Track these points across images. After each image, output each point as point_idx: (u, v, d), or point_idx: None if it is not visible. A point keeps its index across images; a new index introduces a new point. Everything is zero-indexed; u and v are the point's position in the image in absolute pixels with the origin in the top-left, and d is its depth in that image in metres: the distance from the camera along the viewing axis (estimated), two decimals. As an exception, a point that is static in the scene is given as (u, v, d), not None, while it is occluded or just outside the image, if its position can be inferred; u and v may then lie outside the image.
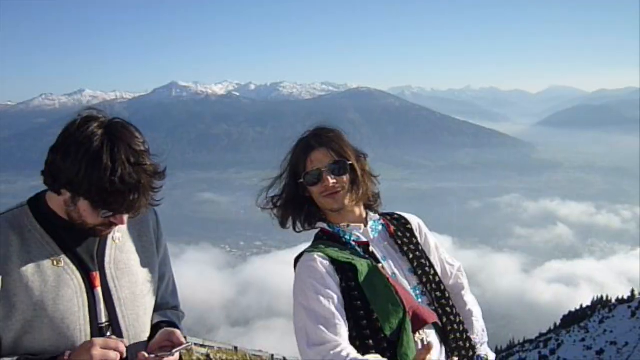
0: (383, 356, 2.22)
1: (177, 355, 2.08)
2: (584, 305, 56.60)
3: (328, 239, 2.54)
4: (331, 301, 2.29)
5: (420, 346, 2.35)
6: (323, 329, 2.24)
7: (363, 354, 2.23)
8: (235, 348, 26.08)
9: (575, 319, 51.86)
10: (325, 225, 2.58)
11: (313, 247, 2.50)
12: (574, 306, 60.53)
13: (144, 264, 2.28)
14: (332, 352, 2.13)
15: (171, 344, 2.10)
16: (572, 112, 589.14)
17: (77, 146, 1.88)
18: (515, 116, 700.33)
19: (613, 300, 51.29)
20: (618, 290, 66.42)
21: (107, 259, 2.15)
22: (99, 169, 1.85)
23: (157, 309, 2.36)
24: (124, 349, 1.97)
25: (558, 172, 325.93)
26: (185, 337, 2.21)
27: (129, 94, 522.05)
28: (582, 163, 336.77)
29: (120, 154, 1.88)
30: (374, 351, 2.25)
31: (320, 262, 2.38)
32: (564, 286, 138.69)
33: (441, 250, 2.78)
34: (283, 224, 2.62)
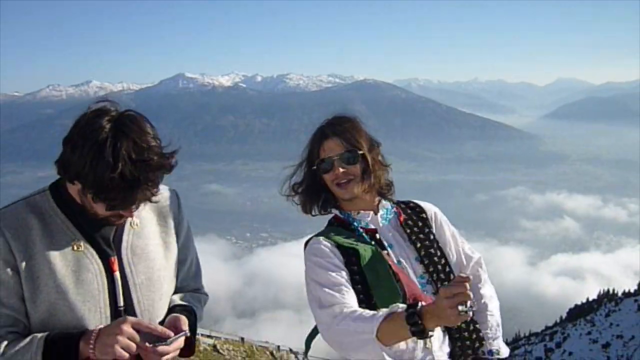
0: None
1: (178, 342, 2.09)
2: (590, 299, 56.43)
3: (339, 226, 2.61)
4: (338, 274, 2.37)
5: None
6: (333, 292, 2.32)
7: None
8: (242, 339, 26.28)
9: (581, 312, 51.72)
10: (337, 212, 2.64)
11: (320, 233, 2.58)
12: (580, 299, 60.40)
13: (162, 249, 2.29)
14: (345, 310, 2.22)
15: (175, 331, 2.10)
16: (579, 105, 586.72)
17: (84, 140, 1.90)
18: (522, 109, 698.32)
19: (619, 294, 51.11)
20: (624, 284, 66.32)
21: (123, 244, 2.18)
22: (101, 165, 1.86)
23: (178, 291, 2.38)
24: (158, 330, 2.04)
25: (565, 165, 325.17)
26: (194, 321, 2.28)
27: (135, 85, 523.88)
28: (589, 156, 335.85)
29: (122, 150, 1.88)
30: None
31: (325, 244, 2.46)
32: (570, 279, 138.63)
33: (459, 240, 2.77)
34: (304, 209, 2.68)
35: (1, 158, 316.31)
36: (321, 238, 2.51)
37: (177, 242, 2.38)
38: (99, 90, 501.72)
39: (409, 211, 2.73)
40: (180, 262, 2.39)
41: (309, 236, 2.53)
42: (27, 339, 1.99)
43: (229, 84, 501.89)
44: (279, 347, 27.15)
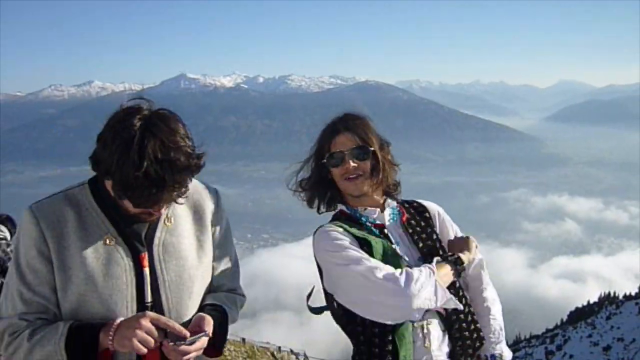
0: (382, 333, 2.38)
1: (201, 342, 2.09)
2: (591, 301, 56.41)
3: (346, 220, 2.59)
4: (359, 249, 2.41)
5: (419, 332, 2.42)
6: (362, 255, 2.38)
7: (365, 329, 2.43)
8: (243, 340, 26.27)
9: (582, 315, 51.68)
10: (344, 208, 2.64)
11: (329, 224, 2.57)
12: (581, 302, 60.37)
13: (195, 247, 2.29)
14: (382, 265, 2.33)
15: (199, 330, 2.11)
16: (581, 107, 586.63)
17: (113, 138, 1.92)
18: (524, 111, 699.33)
19: (620, 297, 51.05)
20: (625, 287, 66.22)
21: (155, 241, 2.19)
22: (127, 164, 1.88)
23: (213, 291, 2.38)
24: (176, 328, 2.05)
25: (566, 167, 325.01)
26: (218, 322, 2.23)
27: (137, 85, 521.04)
28: (591, 158, 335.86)
29: (149, 149, 1.89)
30: (377, 330, 2.40)
31: (338, 230, 2.48)
32: (571, 282, 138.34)
33: None
34: (310, 204, 2.68)
35: (2, 157, 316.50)
36: (332, 225, 2.52)
37: (213, 241, 2.37)
38: (100, 91, 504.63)
39: (412, 211, 2.74)
40: (216, 262, 2.39)
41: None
42: (53, 325, 2.04)
43: (230, 85, 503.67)
44: (279, 348, 27.22)
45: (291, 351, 27.41)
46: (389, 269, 2.32)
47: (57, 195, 2.17)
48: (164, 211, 2.14)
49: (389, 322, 2.35)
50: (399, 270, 2.33)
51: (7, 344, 2.08)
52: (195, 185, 2.31)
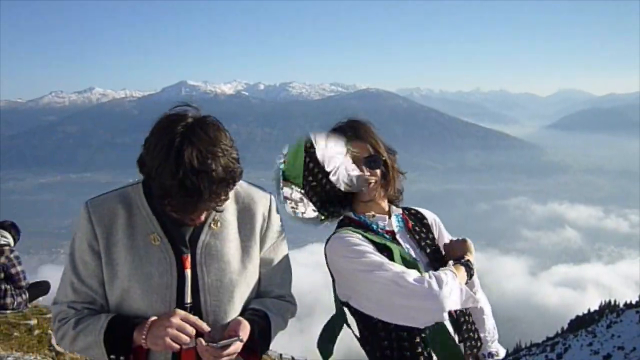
0: (411, 336, 2.41)
1: (235, 346, 2.06)
2: (592, 310, 56.39)
3: (357, 227, 2.56)
4: (380, 255, 2.40)
5: None
6: (375, 257, 2.37)
7: (388, 335, 2.43)
8: (245, 347, 26.31)
9: (582, 323, 51.57)
10: (351, 214, 2.62)
11: (342, 229, 2.54)
12: (582, 310, 60.21)
13: (240, 252, 2.27)
14: (407, 269, 2.35)
15: (234, 334, 2.09)
16: (582, 116, 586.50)
17: (155, 145, 1.94)
18: (525, 119, 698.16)
19: (621, 305, 51.07)
20: (626, 295, 66.19)
21: (199, 243, 2.19)
22: (165, 171, 1.89)
23: (259, 296, 2.36)
24: (204, 328, 2.06)
25: (566, 175, 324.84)
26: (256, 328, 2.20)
27: (138, 92, 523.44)
28: (591, 166, 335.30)
29: (185, 157, 1.88)
30: (405, 334, 2.41)
31: (356, 235, 2.46)
32: (571, 290, 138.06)
33: None
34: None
35: (3, 164, 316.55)
36: (349, 231, 2.49)
37: (262, 246, 2.34)
38: (101, 97, 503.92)
39: (413, 218, 2.77)
40: (265, 268, 2.36)
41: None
42: (96, 317, 2.12)
43: (231, 92, 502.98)
44: (281, 355, 27.23)
45: (292, 358, 27.43)
46: (416, 273, 2.33)
47: (113, 193, 2.21)
48: (204, 216, 2.14)
49: (419, 326, 2.35)
50: (425, 274, 2.34)
51: (56, 328, 2.17)
52: (246, 189, 2.33)
